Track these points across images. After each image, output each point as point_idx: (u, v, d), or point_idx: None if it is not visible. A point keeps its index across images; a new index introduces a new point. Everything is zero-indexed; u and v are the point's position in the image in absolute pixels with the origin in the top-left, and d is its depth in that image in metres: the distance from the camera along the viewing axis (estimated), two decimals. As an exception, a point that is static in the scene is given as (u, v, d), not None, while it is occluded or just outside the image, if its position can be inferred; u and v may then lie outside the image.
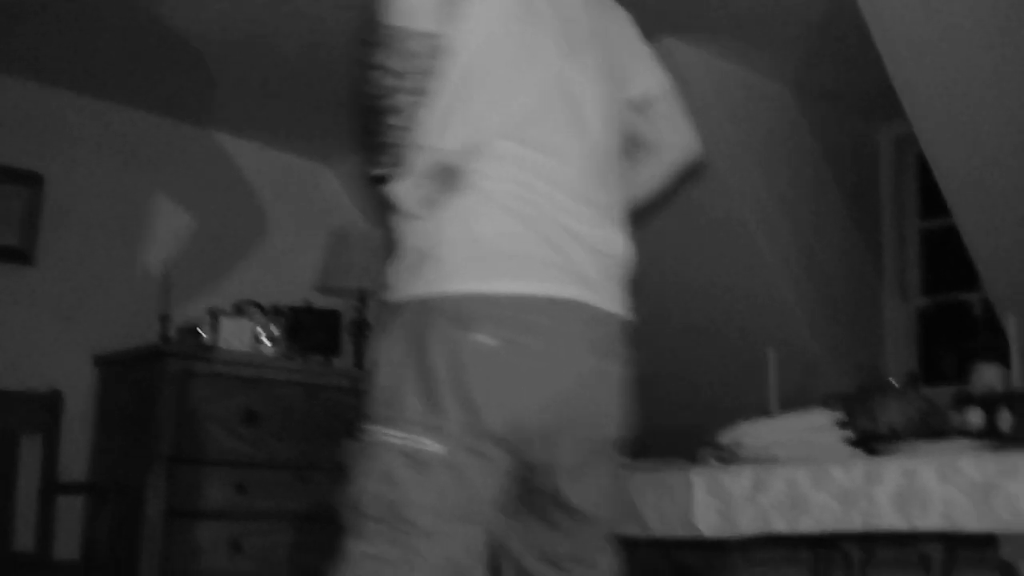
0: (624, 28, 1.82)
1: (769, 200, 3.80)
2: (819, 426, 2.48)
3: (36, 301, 3.87)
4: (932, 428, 2.56)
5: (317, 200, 4.77)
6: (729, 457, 2.53)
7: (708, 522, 2.35)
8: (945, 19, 3.01)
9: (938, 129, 3.27)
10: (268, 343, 3.95)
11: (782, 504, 2.23)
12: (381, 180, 1.57)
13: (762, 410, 2.91)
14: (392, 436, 1.50)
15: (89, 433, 3.87)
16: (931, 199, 3.98)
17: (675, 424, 4.15)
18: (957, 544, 2.70)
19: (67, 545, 3.66)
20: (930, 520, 2.00)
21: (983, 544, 2.00)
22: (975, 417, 2.51)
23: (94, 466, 3.84)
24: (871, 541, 3.08)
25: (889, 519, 2.06)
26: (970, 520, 1.94)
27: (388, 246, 1.65)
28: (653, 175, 1.90)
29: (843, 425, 2.47)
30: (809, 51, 3.65)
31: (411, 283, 1.55)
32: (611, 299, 1.63)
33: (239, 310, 4.00)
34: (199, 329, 3.85)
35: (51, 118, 3.97)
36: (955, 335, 4.15)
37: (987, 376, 2.63)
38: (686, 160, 1.91)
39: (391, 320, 1.56)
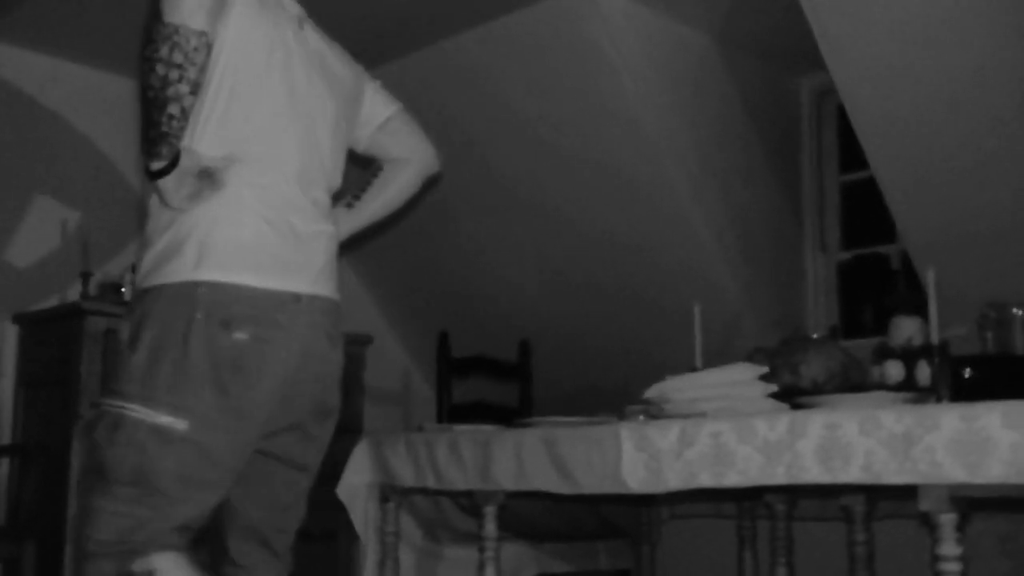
0: (360, 72, 2.23)
1: (692, 152, 3.83)
2: (743, 380, 2.51)
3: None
4: (852, 381, 2.62)
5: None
6: (656, 412, 2.57)
7: (636, 477, 2.38)
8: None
9: (858, 81, 3.31)
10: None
11: (708, 458, 2.26)
12: (158, 174, 1.75)
13: (688, 365, 2.95)
14: (142, 412, 1.74)
15: (11, 392, 3.79)
16: (852, 152, 4.04)
17: (604, 381, 4.22)
18: (878, 495, 2.79)
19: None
20: (852, 473, 2.05)
21: (903, 495, 2.06)
22: (894, 370, 2.57)
23: (18, 426, 3.77)
24: (795, 493, 3.17)
25: (812, 472, 2.10)
26: (890, 472, 1.99)
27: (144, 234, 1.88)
28: (403, 183, 2.30)
29: (766, 379, 2.52)
30: (732, 2, 3.67)
31: (169, 271, 1.78)
32: (335, 290, 1.98)
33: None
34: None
35: None
36: (874, 288, 4.24)
37: (905, 329, 2.69)
38: (429, 168, 2.32)
39: (148, 304, 1.78)
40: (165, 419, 1.72)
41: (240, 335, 1.76)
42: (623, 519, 3.79)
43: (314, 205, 1.95)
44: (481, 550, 2.77)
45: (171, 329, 1.74)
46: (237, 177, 1.82)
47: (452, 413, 3.97)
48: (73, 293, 3.83)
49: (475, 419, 3.69)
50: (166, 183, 1.75)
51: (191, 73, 1.68)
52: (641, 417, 2.66)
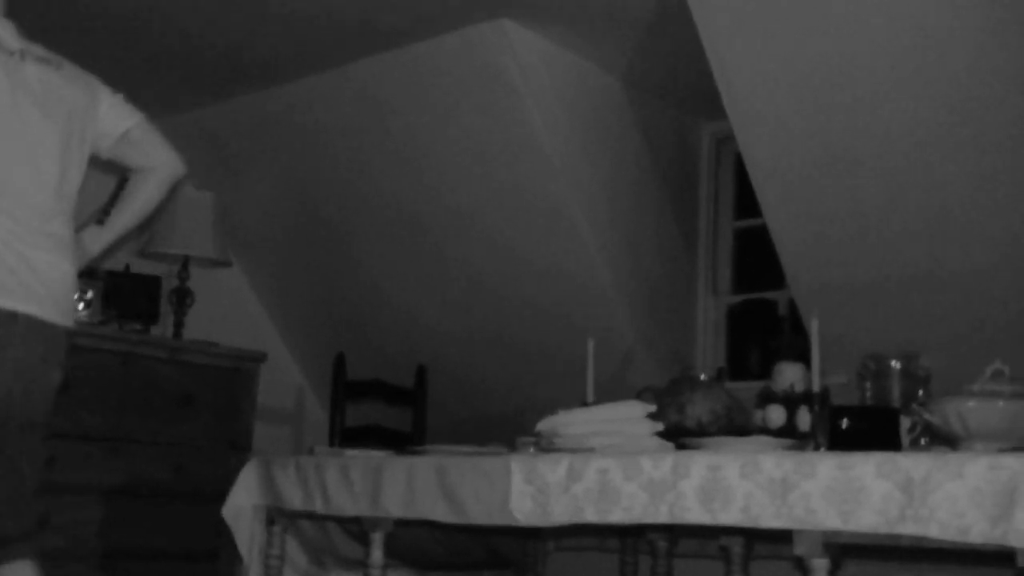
0: (96, 90, 2.43)
1: (594, 189, 3.91)
2: (632, 417, 2.57)
3: None
4: (736, 424, 2.70)
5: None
6: (546, 445, 2.61)
7: (524, 510, 2.41)
8: (768, 20, 3.14)
9: (756, 132, 3.42)
10: (81, 307, 3.81)
11: (594, 494, 2.31)
12: None
13: (580, 399, 3.00)
14: None
15: None
16: (747, 198, 4.16)
17: (497, 410, 4.25)
18: (756, 538, 2.87)
19: None
20: (731, 514, 2.11)
21: (780, 538, 2.12)
22: (776, 415, 2.65)
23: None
24: (676, 532, 3.24)
25: (694, 512, 2.16)
26: (768, 516, 2.06)
27: None
28: (149, 193, 2.49)
29: (654, 417, 2.58)
30: (639, 46, 3.76)
31: None
32: (57, 313, 2.20)
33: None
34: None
35: None
36: (762, 332, 4.37)
37: (789, 375, 2.78)
38: (174, 175, 2.50)
39: None
40: None
41: None
42: (509, 550, 3.82)
43: (49, 238, 2.20)
44: (367, 577, 2.76)
45: None
46: None
47: (345, 436, 3.95)
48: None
49: (368, 443, 3.68)
50: None
51: None
52: (532, 449, 2.70)
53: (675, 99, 4.22)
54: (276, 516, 3.00)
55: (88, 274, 3.88)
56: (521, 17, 3.57)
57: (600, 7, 3.48)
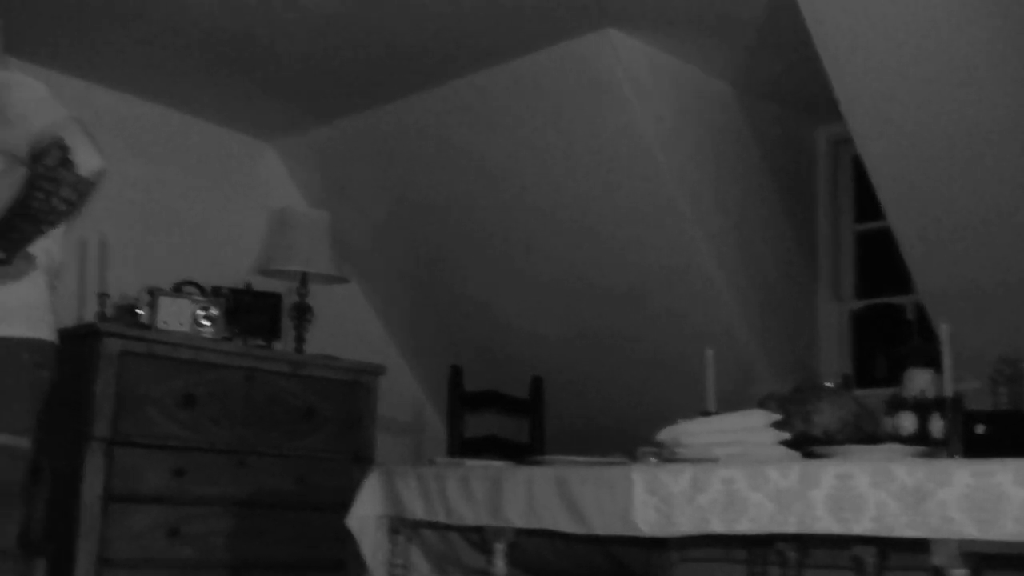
0: (23, 87, 2.38)
1: (707, 195, 3.86)
2: (756, 426, 2.52)
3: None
4: (865, 432, 2.63)
5: (258, 179, 4.73)
6: (668, 455, 2.58)
7: (647, 520, 2.38)
8: (884, 21, 3.08)
9: (874, 131, 3.34)
10: (207, 325, 3.91)
11: (719, 504, 2.27)
12: None
13: (700, 409, 2.96)
14: None
15: (23, 413, 3.80)
16: (867, 202, 4.07)
17: (615, 420, 4.23)
18: (890, 547, 2.78)
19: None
20: (863, 524, 2.06)
21: (915, 548, 2.06)
22: (907, 422, 2.58)
23: (32, 448, 3.77)
24: (805, 541, 3.17)
25: (824, 522, 2.11)
26: (902, 525, 2.00)
27: None
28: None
29: (779, 426, 2.53)
30: (751, 50, 3.71)
31: None
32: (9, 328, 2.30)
33: (178, 290, 3.96)
34: (137, 308, 3.82)
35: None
36: (888, 338, 4.25)
37: (919, 381, 2.70)
38: (96, 174, 2.29)
39: None
40: None
41: None
42: (633, 560, 3.78)
43: None
44: (489, 586, 2.77)
45: None
46: None
47: (463, 447, 3.98)
48: (90, 314, 3.86)
49: (486, 454, 3.69)
50: None
51: None
52: (653, 460, 2.67)
53: (788, 102, 4.15)
54: (399, 526, 3.04)
55: (213, 292, 4.01)
56: (626, 26, 3.55)
57: (707, 12, 3.44)
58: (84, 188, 2.24)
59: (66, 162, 2.21)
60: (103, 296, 3.83)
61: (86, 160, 2.23)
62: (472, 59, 3.83)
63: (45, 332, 2.45)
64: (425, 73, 3.96)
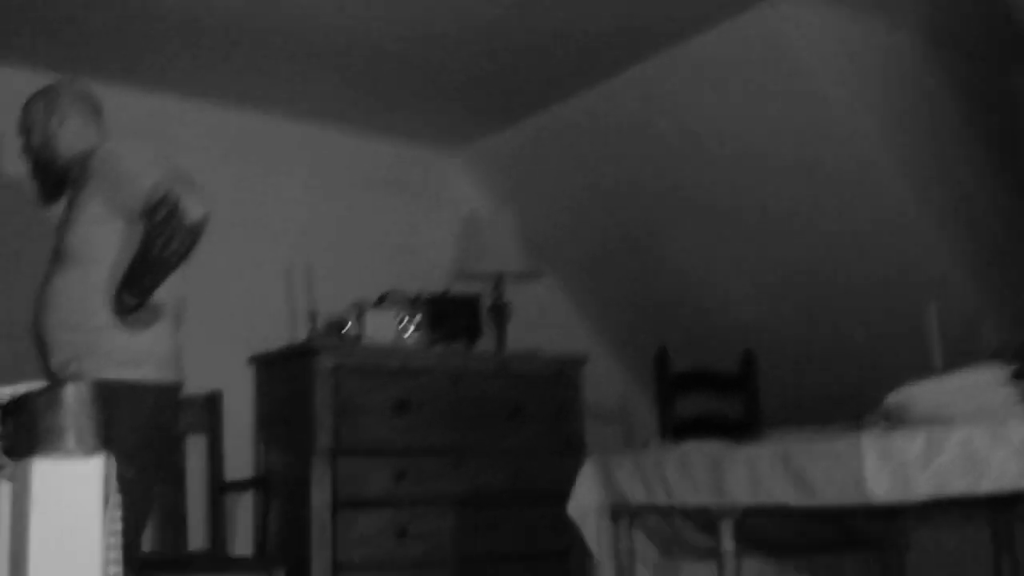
0: (133, 153, 2.63)
1: (909, 152, 3.69)
2: (992, 381, 2.38)
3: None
4: (1112, 377, 2.43)
5: (445, 188, 4.81)
6: (897, 420, 2.46)
7: (882, 487, 2.28)
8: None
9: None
10: (411, 332, 4.01)
11: (958, 465, 2.16)
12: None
13: (924, 368, 2.82)
14: None
15: (249, 431, 4.00)
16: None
17: (834, 388, 4.08)
18: None
19: (243, 541, 3.80)
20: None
21: None
22: None
23: (260, 461, 3.97)
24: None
25: (1077, 475, 1.97)
26: None
27: None
28: None
29: (1019, 376, 2.37)
30: (936, 2, 3.51)
31: None
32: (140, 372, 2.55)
33: (381, 302, 4.07)
34: (345, 323, 3.94)
35: (168, 127, 4.01)
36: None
37: None
38: (201, 221, 2.50)
39: None
40: None
41: None
42: (867, 530, 3.65)
43: None
44: (720, 566, 2.72)
45: None
46: None
47: (676, 429, 3.93)
48: (301, 333, 4.02)
49: (699, 434, 3.63)
50: None
51: None
52: (881, 425, 2.55)
53: (980, 50, 3.90)
54: (620, 512, 3.02)
55: (414, 301, 4.10)
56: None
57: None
58: (194, 234, 2.48)
59: (175, 213, 2.44)
60: (313, 314, 3.97)
61: (192, 209, 2.45)
62: (647, 44, 3.76)
63: (172, 376, 2.67)
64: (602, 64, 3.92)
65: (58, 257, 2.64)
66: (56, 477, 1.18)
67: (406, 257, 4.55)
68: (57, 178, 2.78)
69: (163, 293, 2.58)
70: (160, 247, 2.46)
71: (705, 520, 2.94)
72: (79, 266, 2.59)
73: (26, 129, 2.80)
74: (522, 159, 4.65)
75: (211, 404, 3.78)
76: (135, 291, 2.51)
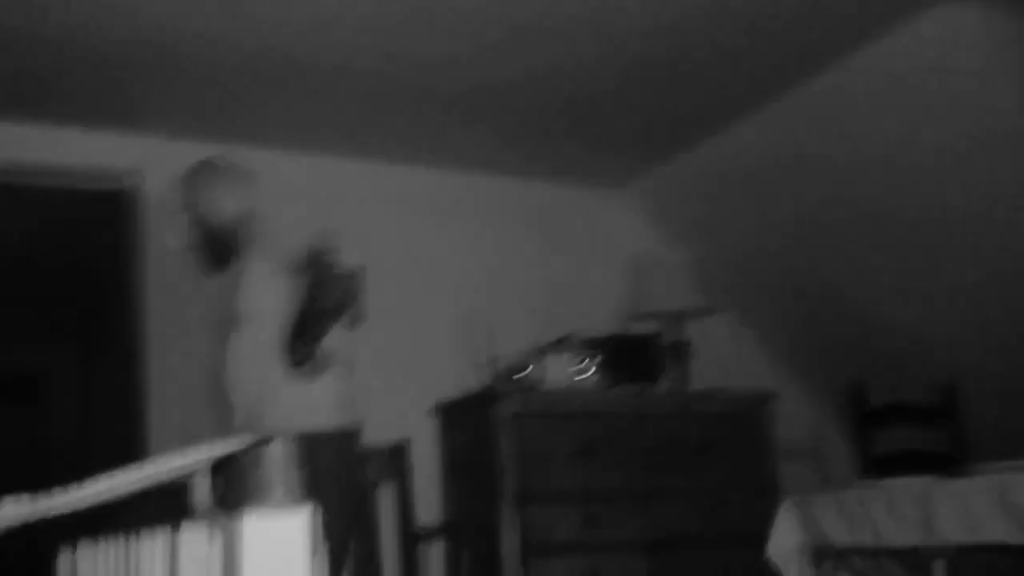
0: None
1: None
2: None
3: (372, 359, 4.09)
4: None
5: (613, 227, 4.78)
6: None
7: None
8: None
9: None
10: (589, 375, 3.98)
11: None
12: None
13: None
14: None
15: (434, 478, 4.03)
16: None
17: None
18: None
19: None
20: None
21: None
22: None
23: (446, 507, 4.00)
24: None
25: None
26: None
27: None
28: None
29: None
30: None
31: None
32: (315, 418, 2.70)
33: (558, 345, 4.06)
34: (523, 368, 3.94)
35: (335, 186, 4.14)
36: None
37: None
38: (354, 272, 2.65)
39: None
40: None
41: None
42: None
43: None
44: (934, 610, 2.57)
45: None
46: None
47: (875, 465, 3.75)
48: (477, 380, 4.04)
49: (900, 470, 3.46)
50: None
51: None
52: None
53: None
54: (824, 554, 2.89)
55: (590, 344, 4.07)
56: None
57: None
58: (351, 282, 2.64)
59: (331, 264, 2.61)
60: (494, 361, 3.99)
61: (346, 259, 2.62)
62: (806, 65, 3.66)
63: (346, 420, 2.76)
64: (765, 88, 3.83)
65: (233, 320, 2.80)
66: (266, 530, 1.20)
67: (574, 299, 4.53)
68: (221, 247, 2.91)
69: (332, 341, 2.69)
70: (321, 298, 2.59)
71: (915, 561, 2.79)
72: (251, 325, 2.75)
73: (188, 204, 2.92)
74: (688, 193, 4.59)
75: (398, 453, 3.82)
76: (303, 342, 2.63)
